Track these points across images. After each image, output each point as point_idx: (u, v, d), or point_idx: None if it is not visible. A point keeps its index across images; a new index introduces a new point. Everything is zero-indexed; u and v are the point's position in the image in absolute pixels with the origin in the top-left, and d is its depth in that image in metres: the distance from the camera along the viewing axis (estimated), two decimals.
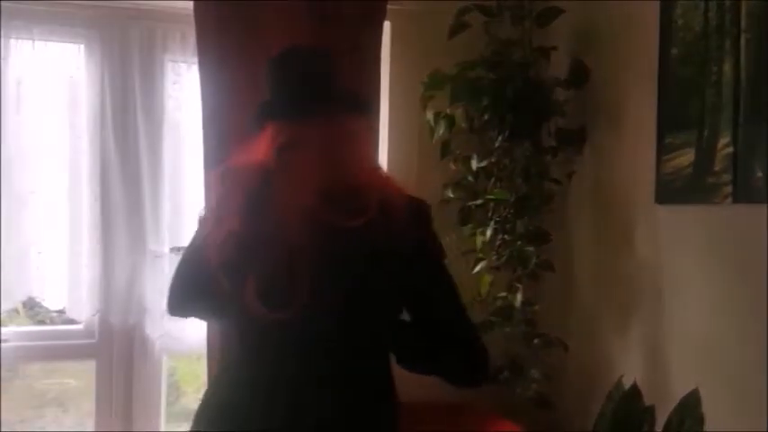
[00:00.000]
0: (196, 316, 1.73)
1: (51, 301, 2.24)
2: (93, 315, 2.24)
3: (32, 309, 2.41)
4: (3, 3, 2.11)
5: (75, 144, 2.22)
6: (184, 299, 1.56)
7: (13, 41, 2.14)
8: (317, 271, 1.36)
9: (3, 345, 2.18)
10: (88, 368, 2.30)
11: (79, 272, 2.22)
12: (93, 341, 2.27)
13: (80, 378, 2.44)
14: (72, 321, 2.28)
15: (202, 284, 1.48)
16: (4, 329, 2.24)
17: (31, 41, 2.16)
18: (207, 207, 1.53)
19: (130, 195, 2.23)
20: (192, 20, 2.11)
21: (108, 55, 2.22)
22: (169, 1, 2.20)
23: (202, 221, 1.52)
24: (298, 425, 1.40)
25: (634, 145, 2.09)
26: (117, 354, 2.28)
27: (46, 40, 2.19)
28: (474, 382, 1.51)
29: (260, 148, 1.49)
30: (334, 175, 1.43)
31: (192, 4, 2.10)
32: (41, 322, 2.43)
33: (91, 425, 2.27)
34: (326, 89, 1.51)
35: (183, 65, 2.31)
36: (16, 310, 2.35)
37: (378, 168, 1.54)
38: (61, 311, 2.30)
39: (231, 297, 1.42)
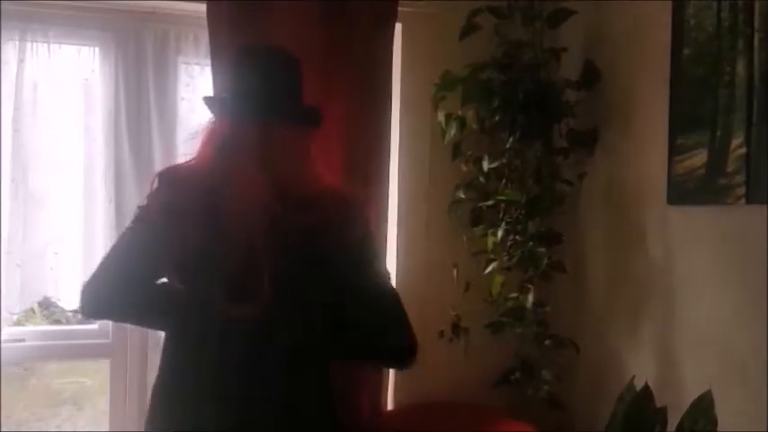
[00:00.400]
0: (121, 317, 1.69)
1: (66, 301, 2.27)
2: None
3: (48, 308, 2.44)
4: (19, 7, 2.13)
5: (89, 146, 2.24)
6: (117, 299, 1.52)
7: (29, 45, 2.16)
8: (276, 268, 1.44)
9: (20, 344, 2.21)
10: (103, 367, 2.32)
11: (92, 270, 2.23)
12: (108, 341, 2.29)
13: (95, 377, 2.47)
14: (87, 321, 2.31)
15: (144, 285, 1.52)
16: (20, 329, 2.27)
17: (46, 44, 2.18)
18: (148, 208, 1.52)
19: (144, 197, 2.24)
20: (204, 22, 2.13)
21: (122, 57, 2.24)
22: (182, 1, 2.22)
23: (140, 223, 1.52)
24: (251, 417, 1.47)
25: (646, 146, 2.09)
26: (131, 353, 2.30)
27: (61, 43, 2.22)
28: (403, 363, 1.66)
29: (205, 146, 1.53)
30: (283, 176, 1.51)
31: (204, 6, 2.12)
32: (57, 322, 2.45)
33: (105, 423, 2.29)
34: (284, 94, 1.57)
35: (196, 67, 2.33)
36: (32, 310, 2.38)
37: (320, 172, 1.61)
38: (76, 311, 2.32)
39: (189, 297, 1.46)
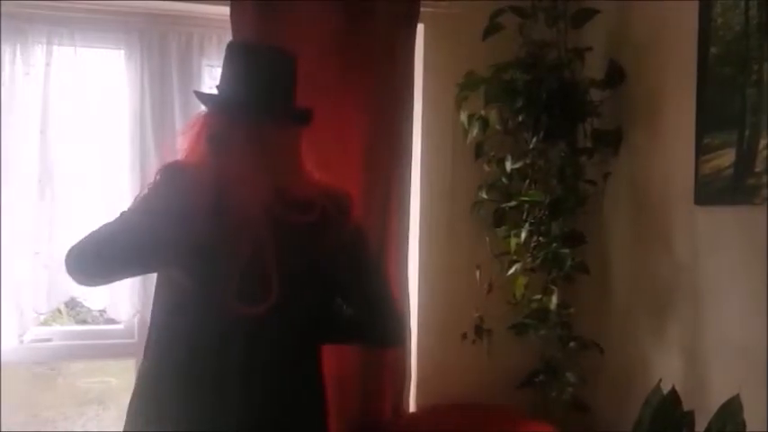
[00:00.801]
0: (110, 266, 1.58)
1: (93, 302, 2.29)
2: (134, 315, 2.29)
3: (74, 309, 2.47)
4: (46, 11, 2.17)
5: (115, 147, 2.27)
6: (113, 271, 1.52)
7: (56, 48, 2.19)
8: (281, 266, 1.48)
9: (46, 344, 2.25)
10: (128, 367, 2.34)
11: None
12: (133, 340, 2.31)
13: (120, 377, 2.49)
14: (113, 321, 2.33)
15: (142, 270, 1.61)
16: (47, 329, 2.31)
17: (73, 48, 2.21)
18: (149, 198, 1.52)
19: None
20: (227, 24, 2.14)
21: (147, 60, 2.26)
22: (206, 3, 2.23)
23: (139, 209, 1.52)
24: (250, 411, 1.49)
25: (672, 145, 2.06)
26: None
27: (87, 47, 2.25)
28: (392, 343, 1.76)
29: (196, 141, 1.55)
30: (277, 175, 1.54)
31: (227, 8, 2.13)
32: (83, 322, 2.48)
33: None
34: (274, 92, 1.59)
35: (219, 69, 2.34)
36: (59, 310, 2.42)
37: (310, 169, 1.63)
38: (102, 311, 2.35)
39: (192, 294, 1.48)
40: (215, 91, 1.67)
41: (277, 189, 1.52)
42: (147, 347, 1.61)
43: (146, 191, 1.55)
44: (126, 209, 1.54)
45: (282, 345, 1.56)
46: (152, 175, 1.54)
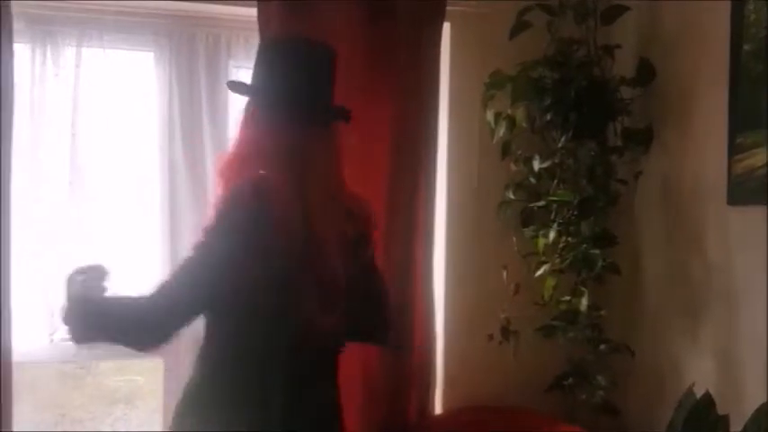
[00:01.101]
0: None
1: None
2: None
3: None
4: (76, 14, 2.19)
5: (144, 149, 2.29)
6: (174, 327, 1.50)
7: (85, 50, 2.22)
8: (347, 276, 1.51)
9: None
10: (156, 366, 2.36)
11: (147, 274, 2.27)
12: None
13: (148, 376, 2.51)
14: None
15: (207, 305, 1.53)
16: None
17: (102, 50, 2.24)
18: (230, 222, 1.43)
19: (198, 199, 2.27)
20: (254, 25, 2.15)
21: (176, 62, 2.28)
22: (234, 3, 2.24)
23: (218, 240, 1.44)
24: (298, 414, 1.51)
25: (704, 144, 2.03)
26: (184, 352, 2.32)
27: (116, 48, 2.27)
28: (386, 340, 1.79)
29: (246, 134, 1.53)
30: (338, 185, 1.56)
31: (254, 9, 2.14)
32: None
33: (158, 422, 2.33)
34: (329, 94, 1.57)
35: (247, 70, 2.35)
36: None
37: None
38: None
39: (270, 311, 1.46)
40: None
41: (333, 197, 1.53)
42: (199, 362, 1.57)
43: (222, 220, 1.45)
44: (201, 246, 1.45)
45: (331, 351, 1.60)
46: (212, 187, 1.51)
